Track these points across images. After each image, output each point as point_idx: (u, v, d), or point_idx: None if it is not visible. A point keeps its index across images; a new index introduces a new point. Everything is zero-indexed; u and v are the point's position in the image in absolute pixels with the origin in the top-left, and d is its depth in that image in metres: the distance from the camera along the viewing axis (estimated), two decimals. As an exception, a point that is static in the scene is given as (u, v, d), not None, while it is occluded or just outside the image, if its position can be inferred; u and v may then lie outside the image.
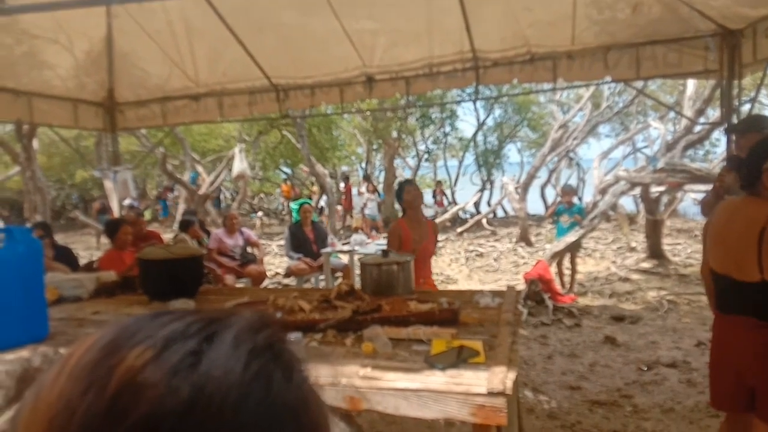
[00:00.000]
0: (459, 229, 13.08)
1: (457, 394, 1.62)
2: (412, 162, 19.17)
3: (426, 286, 3.93)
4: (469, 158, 18.46)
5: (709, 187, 3.79)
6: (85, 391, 0.34)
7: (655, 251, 8.74)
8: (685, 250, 9.59)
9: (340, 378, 1.75)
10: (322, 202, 15.21)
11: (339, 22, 4.42)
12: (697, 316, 5.77)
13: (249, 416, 0.34)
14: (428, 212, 14.23)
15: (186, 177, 13.44)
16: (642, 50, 4.31)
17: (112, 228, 5.14)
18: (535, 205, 15.27)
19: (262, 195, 22.26)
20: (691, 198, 12.51)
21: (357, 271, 6.24)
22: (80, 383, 0.34)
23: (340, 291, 2.59)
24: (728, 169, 3.16)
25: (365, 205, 13.85)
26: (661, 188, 8.04)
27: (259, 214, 18.49)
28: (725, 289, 2.24)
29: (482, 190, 17.31)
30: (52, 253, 4.97)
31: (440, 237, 10.27)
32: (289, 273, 7.00)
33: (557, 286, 6.73)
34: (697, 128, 8.46)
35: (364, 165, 19.16)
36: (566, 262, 7.25)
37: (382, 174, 18.23)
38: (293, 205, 7.45)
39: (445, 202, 17.36)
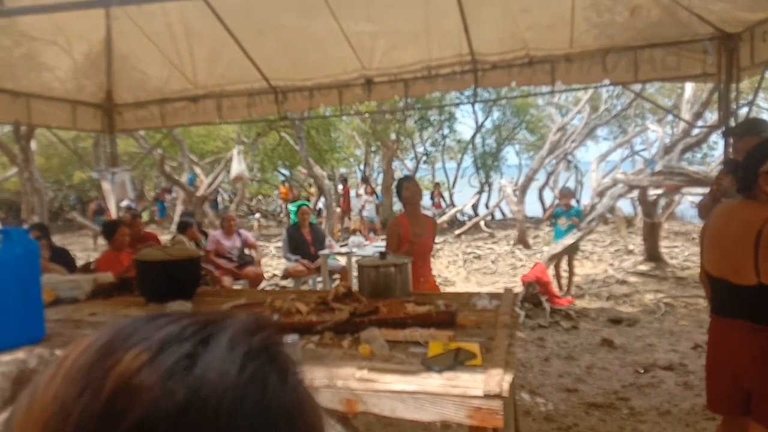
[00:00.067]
0: (457, 232, 13.08)
1: (454, 397, 1.62)
2: (410, 164, 19.17)
3: (427, 285, 3.92)
4: (468, 160, 18.49)
5: (706, 190, 3.80)
6: (80, 393, 0.34)
7: (652, 254, 8.76)
8: (683, 253, 9.61)
9: (337, 380, 1.75)
10: (320, 204, 15.21)
11: (338, 24, 4.42)
12: (694, 319, 5.78)
13: (244, 419, 0.34)
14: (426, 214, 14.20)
15: (184, 178, 13.43)
16: (640, 53, 4.32)
17: (110, 229, 5.13)
18: (533, 207, 15.28)
19: (260, 197, 22.25)
20: (689, 201, 12.54)
21: (354, 273, 6.25)
22: (76, 385, 0.34)
23: (338, 293, 2.60)
24: (725, 172, 3.16)
25: (363, 207, 13.85)
26: (659, 191, 8.06)
27: (257, 215, 18.47)
28: (721, 292, 2.25)
29: (480, 192, 17.33)
30: (49, 254, 4.96)
31: (438, 239, 10.28)
32: (286, 275, 7.00)
33: (555, 288, 6.74)
34: (695, 131, 8.49)
35: (362, 167, 19.16)
36: (564, 265, 7.25)
37: (381, 176, 18.24)
38: (291, 207, 7.44)
39: (443, 205, 17.37)
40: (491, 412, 1.57)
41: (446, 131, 17.55)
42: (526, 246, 11.14)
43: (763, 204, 2.08)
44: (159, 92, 5.58)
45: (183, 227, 6.82)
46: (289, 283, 7.44)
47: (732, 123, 4.23)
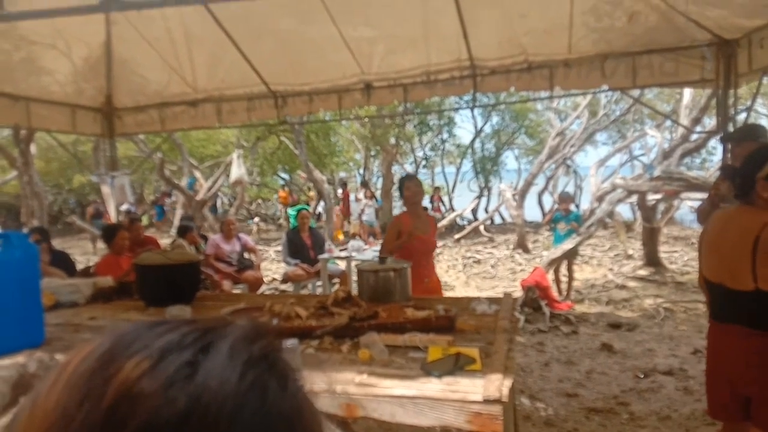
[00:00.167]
0: (456, 236, 13.08)
1: (454, 402, 1.62)
2: (410, 168, 19.17)
3: (431, 285, 3.91)
4: (467, 165, 18.52)
5: (705, 195, 3.81)
6: (81, 401, 0.34)
7: (651, 259, 8.76)
8: (682, 258, 9.61)
9: (337, 385, 1.75)
10: (320, 208, 15.21)
11: (337, 29, 4.44)
12: (694, 324, 5.78)
13: (244, 426, 0.35)
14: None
15: (184, 182, 13.44)
16: (639, 59, 4.33)
17: (109, 233, 5.14)
18: (532, 212, 15.30)
19: (259, 201, 22.25)
20: (688, 206, 12.54)
21: (354, 278, 6.24)
22: (77, 393, 0.35)
23: (337, 297, 2.59)
24: (723, 177, 3.17)
25: (363, 211, 13.86)
26: (658, 196, 8.07)
27: (256, 219, 18.47)
28: (719, 297, 2.25)
29: (480, 196, 17.34)
30: (49, 258, 4.96)
31: (438, 244, 10.28)
32: (286, 279, 6.99)
33: (554, 293, 6.74)
34: (694, 137, 8.50)
35: (361, 171, 19.18)
36: (563, 270, 7.26)
37: (380, 180, 18.25)
38: (291, 211, 7.45)
39: (443, 209, 17.38)
40: (491, 417, 1.57)
41: (445, 136, 17.60)
42: (526, 250, 11.14)
43: (761, 209, 2.09)
44: (159, 96, 5.59)
45: (183, 231, 6.82)
46: (288, 287, 7.43)
47: (730, 128, 4.24)
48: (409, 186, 4.06)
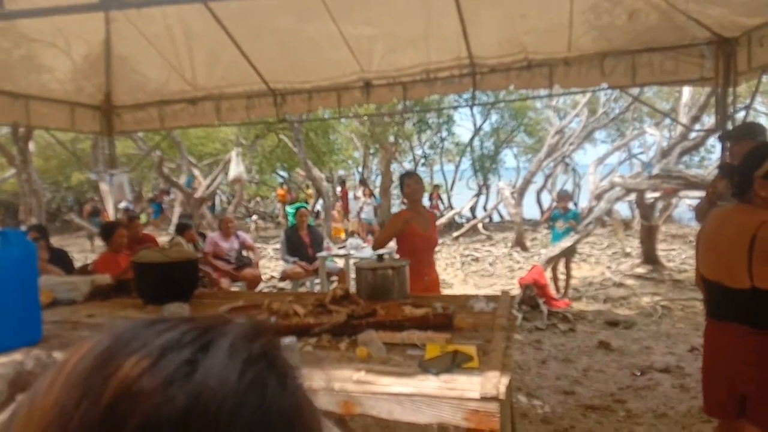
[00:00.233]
0: (455, 234, 13.10)
1: (451, 399, 1.63)
2: (408, 166, 19.16)
3: (430, 282, 3.92)
4: (466, 163, 18.52)
5: (704, 193, 3.81)
6: (80, 399, 0.34)
7: (649, 257, 8.78)
8: (680, 256, 9.63)
9: (334, 382, 1.75)
10: (319, 206, 15.20)
11: (337, 27, 4.43)
12: (691, 322, 5.79)
13: (244, 424, 0.35)
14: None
15: (182, 180, 13.42)
16: (638, 57, 4.34)
17: (108, 231, 5.14)
18: (530, 210, 15.29)
19: (258, 199, 22.23)
20: (686, 204, 12.54)
21: (352, 276, 6.25)
22: (75, 392, 0.35)
23: (335, 295, 2.60)
24: (721, 176, 3.17)
25: (361, 209, 13.85)
26: (656, 194, 8.08)
27: (254, 217, 18.46)
28: (716, 295, 2.26)
29: (478, 194, 17.35)
30: (48, 255, 4.96)
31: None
32: (284, 277, 7.00)
33: (552, 291, 6.75)
34: (693, 135, 8.50)
35: (360, 169, 19.17)
36: (561, 267, 7.26)
37: (379, 178, 18.25)
38: (289, 209, 7.45)
39: (442, 207, 17.38)
40: (488, 415, 1.58)
41: (445, 134, 17.60)
42: (524, 248, 11.15)
43: (758, 208, 2.10)
44: (158, 94, 5.58)
45: (181, 229, 6.82)
46: (286, 285, 7.43)
47: (729, 127, 4.24)
48: (409, 183, 4.06)
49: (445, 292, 7.73)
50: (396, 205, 15.42)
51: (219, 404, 0.34)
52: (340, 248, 7.52)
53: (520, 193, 12.32)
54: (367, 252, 6.55)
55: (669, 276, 8.07)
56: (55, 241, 7.06)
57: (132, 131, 7.32)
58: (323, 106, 5.42)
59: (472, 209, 16.87)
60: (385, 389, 1.71)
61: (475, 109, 16.35)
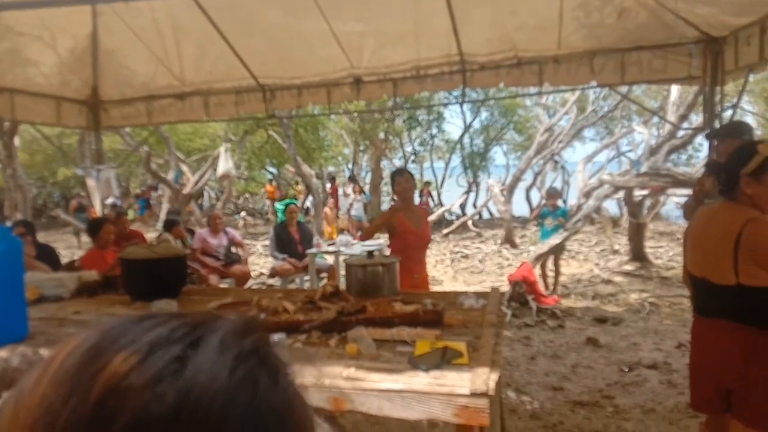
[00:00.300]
0: (445, 231, 13.13)
1: (441, 395, 1.63)
2: (398, 163, 19.18)
3: (420, 281, 3.93)
4: (456, 160, 18.57)
5: (691, 191, 3.85)
6: (68, 396, 0.33)
7: (637, 254, 8.85)
8: (667, 253, 9.72)
9: (324, 379, 1.75)
10: (308, 203, 15.17)
11: (327, 23, 4.41)
12: (678, 318, 5.85)
13: (235, 421, 0.34)
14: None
15: (170, 176, 13.32)
16: (627, 56, 4.36)
17: (95, 227, 5.09)
18: (520, 207, 15.37)
19: (247, 195, 22.15)
20: (674, 202, 12.68)
21: (342, 272, 6.24)
22: (63, 388, 0.34)
23: (325, 292, 2.59)
24: (708, 174, 3.20)
25: (351, 206, 13.84)
26: (645, 192, 8.15)
27: (242, 214, 18.38)
28: (703, 292, 2.28)
29: (468, 192, 17.41)
30: (35, 252, 4.90)
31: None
32: (273, 273, 6.97)
33: (541, 287, 6.78)
34: (681, 133, 8.58)
35: (350, 166, 19.15)
36: (550, 264, 7.30)
37: (369, 175, 18.24)
38: (279, 206, 7.42)
39: (432, 204, 17.41)
40: (477, 411, 1.59)
41: (435, 131, 17.65)
42: (513, 245, 11.20)
43: (744, 206, 2.12)
44: (145, 89, 5.52)
45: (169, 225, 6.77)
46: (276, 281, 7.41)
47: (716, 125, 4.28)
48: (400, 181, 4.06)
49: (435, 289, 7.74)
50: (386, 202, 15.43)
51: (209, 401, 0.34)
52: (329, 245, 7.50)
53: (509, 190, 12.37)
54: (357, 249, 6.54)
55: (657, 273, 8.15)
56: (42, 237, 6.99)
57: (119, 126, 7.25)
58: (313, 102, 5.39)
59: (462, 206, 16.93)
60: (375, 386, 1.71)
61: (465, 107, 16.39)
